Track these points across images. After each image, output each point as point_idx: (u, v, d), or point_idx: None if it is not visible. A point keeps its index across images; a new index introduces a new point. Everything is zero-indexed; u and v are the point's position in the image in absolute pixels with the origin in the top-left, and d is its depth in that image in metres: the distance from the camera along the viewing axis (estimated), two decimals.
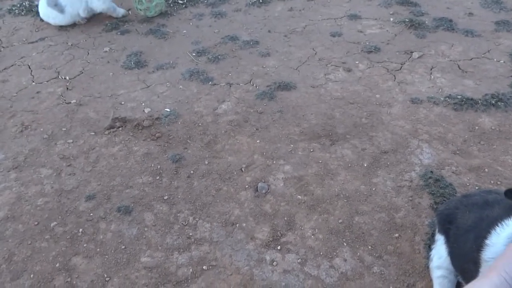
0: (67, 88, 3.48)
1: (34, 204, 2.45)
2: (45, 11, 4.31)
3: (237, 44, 3.94)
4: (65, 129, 3.02)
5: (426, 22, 4.07)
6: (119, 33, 4.28)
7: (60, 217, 2.37)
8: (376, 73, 3.43)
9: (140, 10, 4.45)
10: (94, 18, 4.53)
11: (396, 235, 2.17)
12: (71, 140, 2.91)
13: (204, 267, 2.08)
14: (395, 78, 3.35)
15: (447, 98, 3.06)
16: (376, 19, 4.24)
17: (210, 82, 3.43)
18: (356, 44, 3.84)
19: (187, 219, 2.32)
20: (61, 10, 4.25)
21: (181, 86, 3.42)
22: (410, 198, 2.35)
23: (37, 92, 3.44)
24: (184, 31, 4.26)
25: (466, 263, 1.60)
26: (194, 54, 3.84)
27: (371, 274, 2.00)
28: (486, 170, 2.47)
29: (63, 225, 2.32)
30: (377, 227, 2.21)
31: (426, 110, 2.99)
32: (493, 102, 2.97)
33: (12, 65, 3.85)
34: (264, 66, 3.61)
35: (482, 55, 3.55)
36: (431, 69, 3.42)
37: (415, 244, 2.11)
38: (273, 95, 3.21)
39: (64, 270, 2.09)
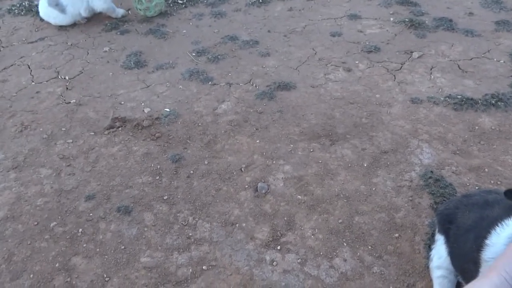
0: (67, 88, 3.48)
1: (33, 204, 2.45)
2: (45, 10, 4.30)
3: (237, 44, 3.94)
4: (64, 129, 3.02)
5: (426, 22, 4.06)
6: (118, 33, 4.28)
7: (59, 217, 2.37)
8: (376, 73, 3.42)
9: (140, 10, 4.44)
10: (94, 18, 4.53)
11: (396, 235, 2.17)
12: (71, 140, 2.91)
13: (204, 267, 2.08)
14: (395, 78, 3.35)
15: (447, 98, 3.05)
16: (376, 19, 4.24)
17: (210, 82, 3.43)
18: (356, 44, 3.84)
19: (187, 219, 2.32)
20: (62, 9, 4.24)
21: (180, 86, 3.42)
22: (410, 198, 2.35)
23: (37, 92, 3.44)
24: (184, 31, 4.26)
25: (466, 263, 1.60)
26: (194, 54, 3.84)
27: (371, 274, 2.00)
28: (486, 170, 2.47)
29: (62, 225, 2.32)
30: (377, 227, 2.21)
31: (426, 110, 2.98)
32: (493, 102, 2.97)
33: (12, 65, 3.84)
34: (264, 66, 3.61)
35: (482, 55, 3.55)
36: (431, 69, 3.42)
37: (415, 244, 2.11)
38: (273, 95, 3.21)
39: (64, 270, 2.09)
